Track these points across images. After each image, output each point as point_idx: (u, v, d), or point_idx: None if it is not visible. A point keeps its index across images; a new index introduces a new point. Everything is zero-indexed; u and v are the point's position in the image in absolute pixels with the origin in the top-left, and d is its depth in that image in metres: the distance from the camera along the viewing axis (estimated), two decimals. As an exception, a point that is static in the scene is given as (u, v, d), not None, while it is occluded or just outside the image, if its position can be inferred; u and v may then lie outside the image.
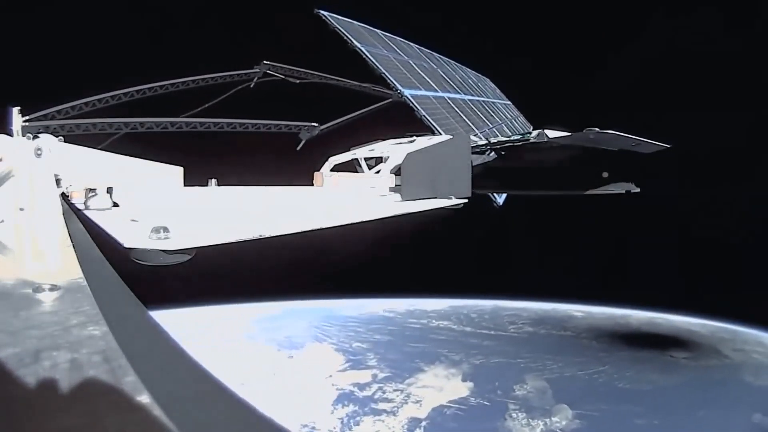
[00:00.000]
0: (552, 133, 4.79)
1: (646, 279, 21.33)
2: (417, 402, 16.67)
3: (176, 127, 8.39)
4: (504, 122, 11.74)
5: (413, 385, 17.42)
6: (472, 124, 8.74)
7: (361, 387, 17.29)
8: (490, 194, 7.53)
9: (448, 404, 16.53)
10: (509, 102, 14.97)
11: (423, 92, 8.03)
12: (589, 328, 21.82)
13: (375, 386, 17.36)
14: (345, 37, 7.66)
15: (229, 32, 15.93)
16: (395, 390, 17.21)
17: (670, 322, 22.29)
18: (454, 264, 21.97)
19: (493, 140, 5.85)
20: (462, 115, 8.68)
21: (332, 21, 7.89)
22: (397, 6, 16.89)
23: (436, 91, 8.85)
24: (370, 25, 9.27)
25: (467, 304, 23.28)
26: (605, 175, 4.92)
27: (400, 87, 7.39)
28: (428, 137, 6.45)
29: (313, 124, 9.95)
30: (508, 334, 21.17)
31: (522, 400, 16.77)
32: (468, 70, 13.72)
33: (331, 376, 17.92)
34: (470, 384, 17.52)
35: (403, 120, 7.45)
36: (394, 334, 20.68)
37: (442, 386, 17.37)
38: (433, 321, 21.96)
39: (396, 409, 16.52)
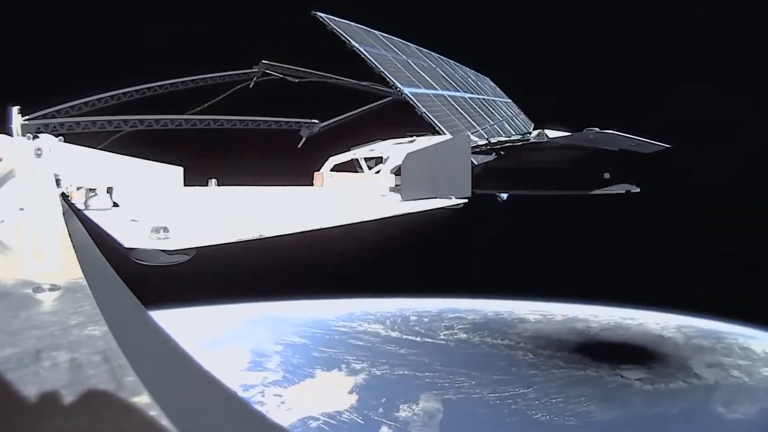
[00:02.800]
0: (552, 133, 4.79)
1: (641, 276, 20.68)
2: (288, 409, 15.25)
3: (176, 125, 8.37)
4: (505, 119, 11.72)
5: (295, 392, 16.12)
6: (473, 121, 8.72)
7: (246, 388, 16.08)
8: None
9: (318, 416, 14.85)
10: (509, 100, 14.95)
11: (423, 90, 8.02)
12: (534, 336, 19.62)
13: (258, 389, 16.17)
14: (343, 38, 7.66)
15: (228, 32, 15.94)
16: (275, 395, 15.97)
17: (640, 326, 19.87)
18: (448, 263, 21.82)
19: (493, 140, 5.85)
20: (462, 112, 8.66)
21: (330, 22, 7.89)
22: (395, 7, 16.91)
23: (436, 89, 8.84)
24: (367, 27, 9.28)
25: (433, 304, 21.89)
26: (607, 176, 4.93)
27: (399, 85, 7.37)
28: (428, 137, 6.45)
29: (314, 120, 9.94)
30: (435, 341, 19.45)
31: (400, 424, 14.57)
32: (467, 69, 13.71)
33: (225, 376, 17.33)
34: (354, 397, 15.73)
35: (404, 118, 7.45)
36: (314, 337, 19.43)
37: (323, 396, 15.82)
38: (364, 324, 20.49)
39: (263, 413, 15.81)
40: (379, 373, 17.00)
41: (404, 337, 19.68)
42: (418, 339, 19.51)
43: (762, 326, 18.64)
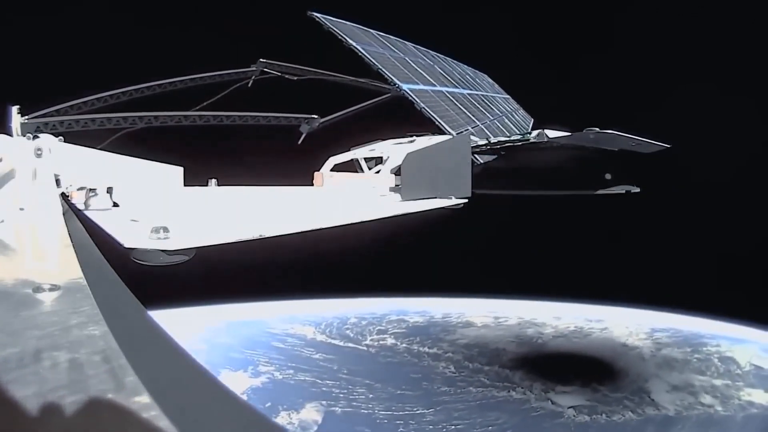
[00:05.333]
0: (552, 133, 4.79)
1: (638, 275, 19.64)
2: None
3: (175, 122, 8.35)
4: (504, 115, 11.70)
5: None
6: (473, 116, 8.71)
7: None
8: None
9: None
10: (508, 96, 14.93)
11: (421, 86, 8.02)
12: (470, 344, 17.55)
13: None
14: (340, 37, 7.66)
15: (227, 32, 15.94)
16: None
17: (604, 332, 17.12)
18: (446, 263, 21.63)
19: (493, 140, 5.85)
20: (461, 107, 8.65)
21: (326, 22, 7.90)
22: (394, 7, 16.91)
23: (434, 85, 8.84)
24: (364, 27, 9.29)
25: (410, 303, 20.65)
26: (608, 176, 4.92)
27: (397, 81, 7.37)
28: (428, 137, 6.45)
29: (313, 116, 9.94)
30: (357, 347, 18.35)
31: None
32: (465, 66, 13.71)
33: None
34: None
35: (404, 116, 7.45)
36: (243, 338, 18.62)
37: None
38: (297, 326, 19.56)
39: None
40: (281, 377, 16.02)
41: (329, 341, 18.69)
42: (341, 343, 18.42)
43: (754, 324, 16.66)
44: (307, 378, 16.14)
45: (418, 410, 13.78)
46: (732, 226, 18.47)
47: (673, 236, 19.92)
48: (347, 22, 8.65)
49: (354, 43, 7.63)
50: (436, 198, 4.43)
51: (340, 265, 18.02)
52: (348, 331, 19.36)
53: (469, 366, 16.28)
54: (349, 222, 3.14)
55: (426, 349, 17.78)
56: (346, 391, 15.10)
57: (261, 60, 9.86)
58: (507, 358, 16.54)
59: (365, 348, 18.29)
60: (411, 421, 13.35)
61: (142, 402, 0.85)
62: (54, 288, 1.37)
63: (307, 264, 17.61)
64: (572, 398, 13.69)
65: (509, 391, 14.38)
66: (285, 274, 18.78)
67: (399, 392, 14.73)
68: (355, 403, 14.43)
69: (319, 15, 8.00)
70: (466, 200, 4.56)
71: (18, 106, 5.62)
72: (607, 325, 18.16)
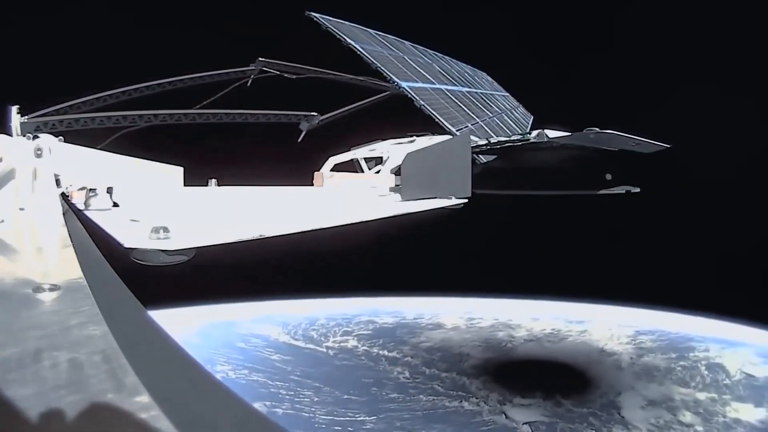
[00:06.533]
0: (552, 133, 4.79)
1: (636, 274, 19.56)
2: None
3: (175, 120, 8.35)
4: (504, 112, 11.70)
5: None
6: (472, 113, 8.71)
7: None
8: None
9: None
10: (507, 93, 14.93)
11: (420, 84, 8.02)
12: (433, 348, 16.80)
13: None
14: (338, 36, 7.66)
15: (226, 32, 15.94)
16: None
17: (583, 335, 15.79)
18: (446, 263, 21.56)
19: (493, 140, 5.85)
20: (461, 104, 8.65)
21: (324, 22, 7.91)
22: (393, 8, 16.91)
23: (433, 83, 8.84)
24: (362, 27, 9.30)
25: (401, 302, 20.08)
26: (609, 177, 4.92)
27: (396, 79, 7.36)
28: (428, 137, 6.46)
29: (313, 113, 9.94)
30: (317, 348, 17.89)
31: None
32: (464, 64, 13.70)
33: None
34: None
35: (403, 114, 7.46)
36: (210, 338, 18.32)
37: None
38: (266, 326, 19.18)
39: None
40: (234, 377, 15.67)
41: (291, 342, 18.25)
42: (302, 344, 17.97)
43: (752, 323, 15.75)
44: (259, 378, 15.79)
45: (359, 417, 13.11)
46: (732, 226, 18.49)
47: (673, 236, 19.93)
48: (345, 22, 8.66)
49: (352, 42, 7.62)
50: (436, 198, 4.43)
51: (340, 265, 18.07)
52: (313, 332, 19.02)
53: (426, 372, 15.45)
54: (349, 222, 3.14)
55: (385, 353, 17.09)
56: (293, 393, 14.71)
57: (260, 59, 9.87)
58: (468, 365, 15.53)
59: (324, 350, 17.92)
60: (349, 428, 12.76)
61: (142, 402, 0.85)
62: (54, 288, 1.37)
63: (307, 264, 17.66)
64: (530, 413, 12.47)
65: (462, 402, 13.35)
66: (285, 274, 18.85)
67: (346, 397, 14.25)
68: (298, 406, 14.04)
69: (317, 15, 8.00)
70: (466, 200, 4.56)
71: (18, 106, 5.62)
72: (587, 328, 16.86)
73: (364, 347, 17.72)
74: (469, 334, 17.87)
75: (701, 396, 12.33)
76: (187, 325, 19.05)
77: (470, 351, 16.43)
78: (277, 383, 15.27)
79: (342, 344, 18.16)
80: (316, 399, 14.23)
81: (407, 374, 15.31)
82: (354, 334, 18.72)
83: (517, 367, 14.96)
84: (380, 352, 17.19)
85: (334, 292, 21.53)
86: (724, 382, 13.15)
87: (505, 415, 12.37)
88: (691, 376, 13.19)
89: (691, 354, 14.34)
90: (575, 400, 12.40)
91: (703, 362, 13.87)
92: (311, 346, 18.23)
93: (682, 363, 13.80)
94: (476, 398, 13.32)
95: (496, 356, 15.91)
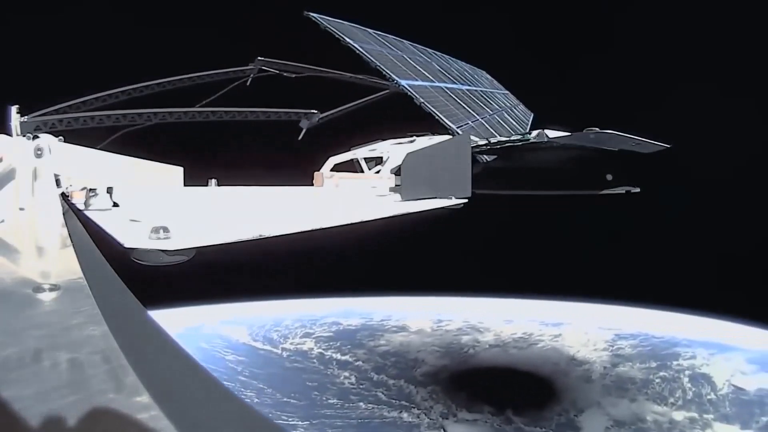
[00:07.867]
0: (552, 133, 4.79)
1: (635, 274, 19.44)
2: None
3: (175, 118, 8.34)
4: (504, 110, 11.69)
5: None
6: (472, 111, 8.71)
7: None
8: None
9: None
10: (507, 92, 14.92)
11: (419, 82, 8.02)
12: (388, 352, 16.23)
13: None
14: (337, 35, 7.66)
15: (225, 32, 15.95)
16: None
17: (556, 341, 14.58)
18: (447, 263, 21.48)
19: (493, 140, 5.85)
20: (461, 102, 8.65)
21: (323, 21, 7.91)
22: (392, 8, 16.92)
23: (433, 81, 8.85)
24: (361, 27, 9.31)
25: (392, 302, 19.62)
26: (609, 177, 4.92)
27: (396, 78, 7.36)
28: (428, 137, 6.46)
29: (313, 111, 9.94)
30: (272, 350, 17.64)
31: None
32: (463, 63, 13.70)
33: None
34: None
35: (403, 113, 7.46)
36: (181, 337, 18.00)
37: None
38: (229, 327, 18.96)
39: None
40: None
41: (249, 343, 17.99)
42: (259, 346, 17.65)
43: (749, 322, 14.86)
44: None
45: (292, 421, 12.51)
46: (731, 226, 18.48)
47: (673, 236, 19.93)
48: (344, 22, 8.66)
49: (351, 41, 7.62)
50: (436, 198, 4.43)
51: (339, 265, 18.06)
52: (275, 334, 18.71)
53: (373, 378, 14.57)
54: (349, 222, 3.14)
55: (338, 356, 16.52)
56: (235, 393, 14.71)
57: (259, 58, 9.87)
58: (420, 372, 14.56)
59: (278, 352, 17.57)
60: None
61: (142, 402, 0.85)
62: (54, 288, 1.37)
63: (306, 264, 17.64)
64: (472, 430, 10.92)
65: (401, 412, 12.33)
66: (283, 274, 18.83)
67: (285, 399, 13.77)
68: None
69: (315, 15, 8.01)
70: (466, 200, 4.56)
71: (17, 106, 5.62)
72: (562, 331, 15.36)
73: (320, 350, 17.35)
74: (431, 338, 17.04)
75: (678, 416, 10.28)
76: (168, 326, 19.13)
77: (426, 357, 15.56)
78: (224, 383, 15.29)
79: (299, 346, 17.82)
80: (256, 400, 13.75)
81: (353, 380, 14.69)
82: (314, 336, 18.45)
83: (473, 376, 13.77)
84: (333, 355, 16.75)
85: (334, 293, 21.55)
86: (709, 397, 11.28)
87: (443, 430, 11.19)
88: (671, 391, 11.29)
89: (674, 363, 12.66)
90: (528, 417, 10.74)
91: (686, 372, 12.13)
92: (267, 347, 17.99)
93: (662, 374, 12.10)
94: (418, 409, 12.37)
95: (453, 363, 14.86)
